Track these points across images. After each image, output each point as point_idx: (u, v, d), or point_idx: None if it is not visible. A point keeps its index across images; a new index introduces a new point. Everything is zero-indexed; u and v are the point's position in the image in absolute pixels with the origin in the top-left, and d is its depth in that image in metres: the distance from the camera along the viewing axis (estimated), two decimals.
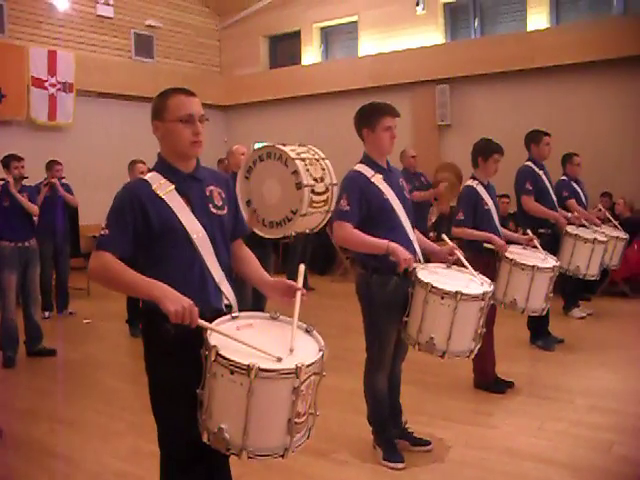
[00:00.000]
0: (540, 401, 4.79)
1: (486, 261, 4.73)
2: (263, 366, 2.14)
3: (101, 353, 6.67)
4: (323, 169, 3.92)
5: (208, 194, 2.63)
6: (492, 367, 5.06)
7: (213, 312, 2.47)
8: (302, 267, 2.66)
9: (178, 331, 2.35)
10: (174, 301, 2.28)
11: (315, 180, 3.72)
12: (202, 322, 2.31)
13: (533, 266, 4.75)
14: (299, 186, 3.66)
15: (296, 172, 3.68)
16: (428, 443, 4.00)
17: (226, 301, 2.59)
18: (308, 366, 2.21)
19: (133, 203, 2.47)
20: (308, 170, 3.68)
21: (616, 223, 7.39)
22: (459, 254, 3.91)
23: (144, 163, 6.78)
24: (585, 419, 4.42)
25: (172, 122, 2.53)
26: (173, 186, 2.54)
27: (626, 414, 4.52)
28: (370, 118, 3.73)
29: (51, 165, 8.39)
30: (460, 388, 5.07)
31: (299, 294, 2.56)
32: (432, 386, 5.13)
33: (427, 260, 3.93)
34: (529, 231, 5.29)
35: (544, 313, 5.06)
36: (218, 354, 2.19)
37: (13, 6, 11.00)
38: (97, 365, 6.19)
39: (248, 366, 2.13)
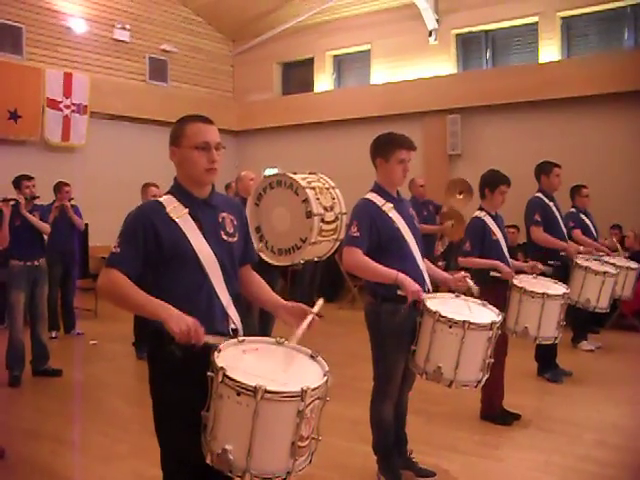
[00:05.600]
0: (547, 434, 4.74)
1: (495, 291, 4.71)
2: (269, 388, 2.15)
3: (106, 375, 6.65)
4: (333, 198, 3.92)
5: (220, 220, 2.66)
6: (500, 398, 5.02)
7: (219, 335, 2.47)
8: (321, 300, 2.68)
9: (184, 353, 2.36)
10: (179, 321, 2.30)
11: (325, 209, 3.72)
12: (209, 338, 2.32)
13: (543, 293, 4.72)
14: (309, 215, 3.66)
15: (306, 200, 3.68)
16: (433, 474, 3.95)
17: (232, 325, 2.61)
18: (313, 390, 2.22)
19: (146, 224, 2.50)
20: (318, 199, 3.67)
21: (624, 254, 7.35)
22: (470, 282, 3.88)
23: (157, 186, 6.82)
24: (592, 454, 4.36)
25: (188, 149, 2.57)
26: (187, 210, 2.57)
27: (633, 450, 4.47)
28: (385, 149, 3.75)
29: (59, 186, 8.33)
30: (466, 419, 5.03)
31: (311, 316, 2.57)
32: (438, 416, 5.09)
33: (436, 289, 3.92)
34: (529, 260, 5.25)
35: (557, 341, 5.02)
36: (225, 375, 2.20)
37: (31, 29, 11.17)
38: (102, 387, 6.18)
39: (255, 388, 2.14)
